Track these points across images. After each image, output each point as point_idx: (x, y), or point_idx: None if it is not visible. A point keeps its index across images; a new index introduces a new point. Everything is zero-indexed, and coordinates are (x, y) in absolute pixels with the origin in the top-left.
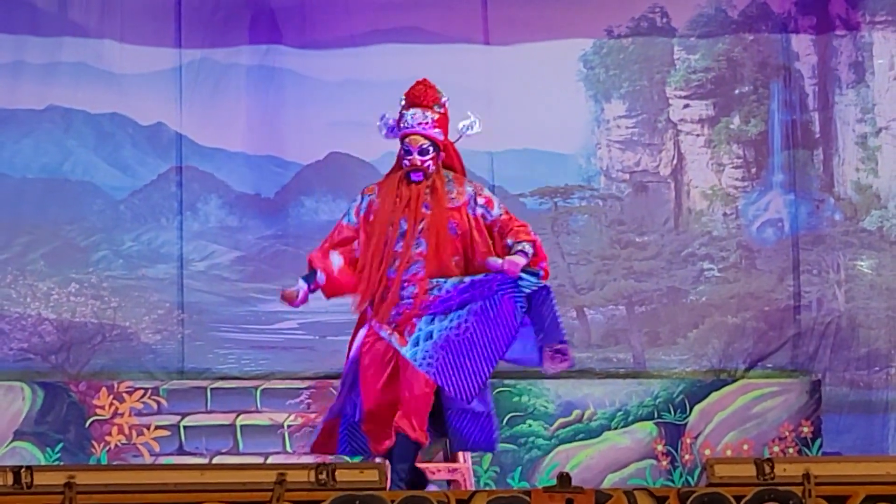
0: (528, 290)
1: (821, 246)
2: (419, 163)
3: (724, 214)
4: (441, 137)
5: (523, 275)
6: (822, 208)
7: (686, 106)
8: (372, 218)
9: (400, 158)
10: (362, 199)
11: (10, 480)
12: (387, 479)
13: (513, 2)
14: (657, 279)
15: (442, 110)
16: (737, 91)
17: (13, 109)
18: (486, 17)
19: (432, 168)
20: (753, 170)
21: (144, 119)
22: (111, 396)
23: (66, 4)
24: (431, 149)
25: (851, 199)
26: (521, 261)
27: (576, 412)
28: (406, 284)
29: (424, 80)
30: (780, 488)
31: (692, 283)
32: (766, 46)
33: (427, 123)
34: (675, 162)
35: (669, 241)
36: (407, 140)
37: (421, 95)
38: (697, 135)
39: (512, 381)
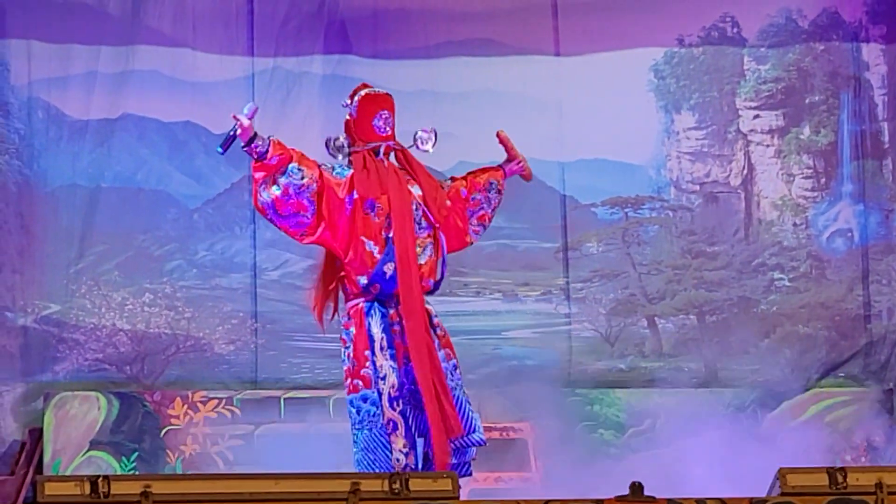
0: None
1: (891, 255)
2: None
3: (794, 225)
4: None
5: None
6: (892, 218)
7: (756, 117)
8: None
9: None
10: None
11: (87, 490)
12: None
13: (583, 12)
14: (728, 289)
15: (347, 113)
16: (807, 101)
17: (87, 119)
18: (557, 28)
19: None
20: (823, 180)
21: (217, 127)
22: (186, 406)
23: (138, 13)
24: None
25: None
26: None
27: (647, 421)
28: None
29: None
30: (853, 498)
31: (763, 292)
32: (837, 56)
33: None
34: (745, 173)
35: (740, 252)
36: None
37: None
38: (767, 145)
39: (584, 391)
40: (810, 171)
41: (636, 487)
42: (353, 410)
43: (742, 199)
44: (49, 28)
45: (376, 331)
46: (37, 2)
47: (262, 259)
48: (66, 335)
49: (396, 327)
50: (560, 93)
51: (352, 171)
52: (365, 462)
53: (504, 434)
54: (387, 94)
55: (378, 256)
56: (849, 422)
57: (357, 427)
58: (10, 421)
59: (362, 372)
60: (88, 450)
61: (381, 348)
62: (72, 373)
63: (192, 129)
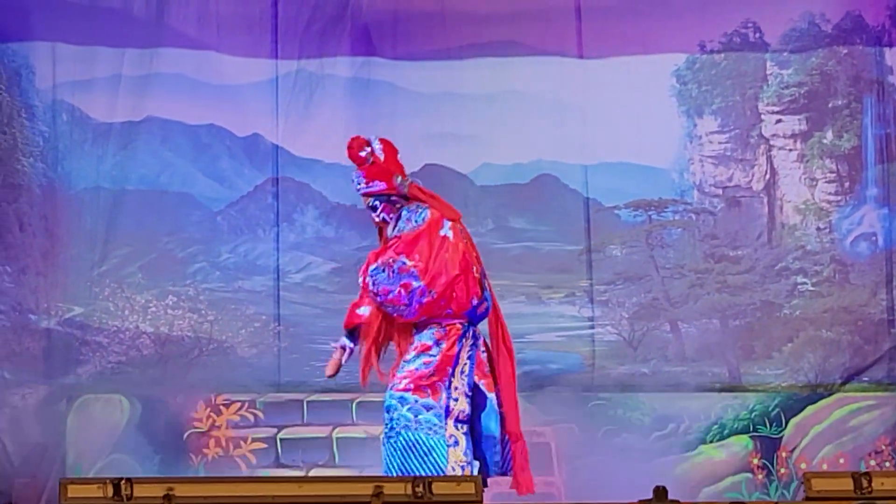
0: None
1: None
2: (375, 222)
3: (818, 229)
4: (380, 187)
5: None
6: None
7: (778, 121)
8: None
9: None
10: None
11: (109, 492)
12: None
13: (607, 16)
14: (751, 293)
15: (371, 159)
16: (830, 105)
17: (111, 122)
18: (581, 31)
19: (388, 218)
20: (847, 184)
21: (241, 130)
22: (208, 409)
23: (163, 16)
24: (378, 203)
25: None
26: None
27: (671, 425)
28: None
29: (351, 139)
30: (878, 502)
31: (786, 297)
32: (860, 60)
33: (360, 183)
34: (767, 177)
35: (763, 256)
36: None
37: (351, 157)
38: (790, 150)
39: (607, 395)
40: (833, 175)
41: (660, 492)
42: (405, 410)
43: (765, 204)
44: (74, 30)
45: (464, 354)
46: (61, 4)
47: (285, 262)
48: (89, 338)
49: (484, 354)
50: (583, 96)
51: (428, 209)
52: (410, 461)
53: (527, 438)
54: None
55: (478, 276)
56: (873, 426)
57: (403, 427)
58: (32, 423)
59: (437, 382)
60: (111, 453)
61: (462, 372)
62: (94, 375)
63: (215, 132)
